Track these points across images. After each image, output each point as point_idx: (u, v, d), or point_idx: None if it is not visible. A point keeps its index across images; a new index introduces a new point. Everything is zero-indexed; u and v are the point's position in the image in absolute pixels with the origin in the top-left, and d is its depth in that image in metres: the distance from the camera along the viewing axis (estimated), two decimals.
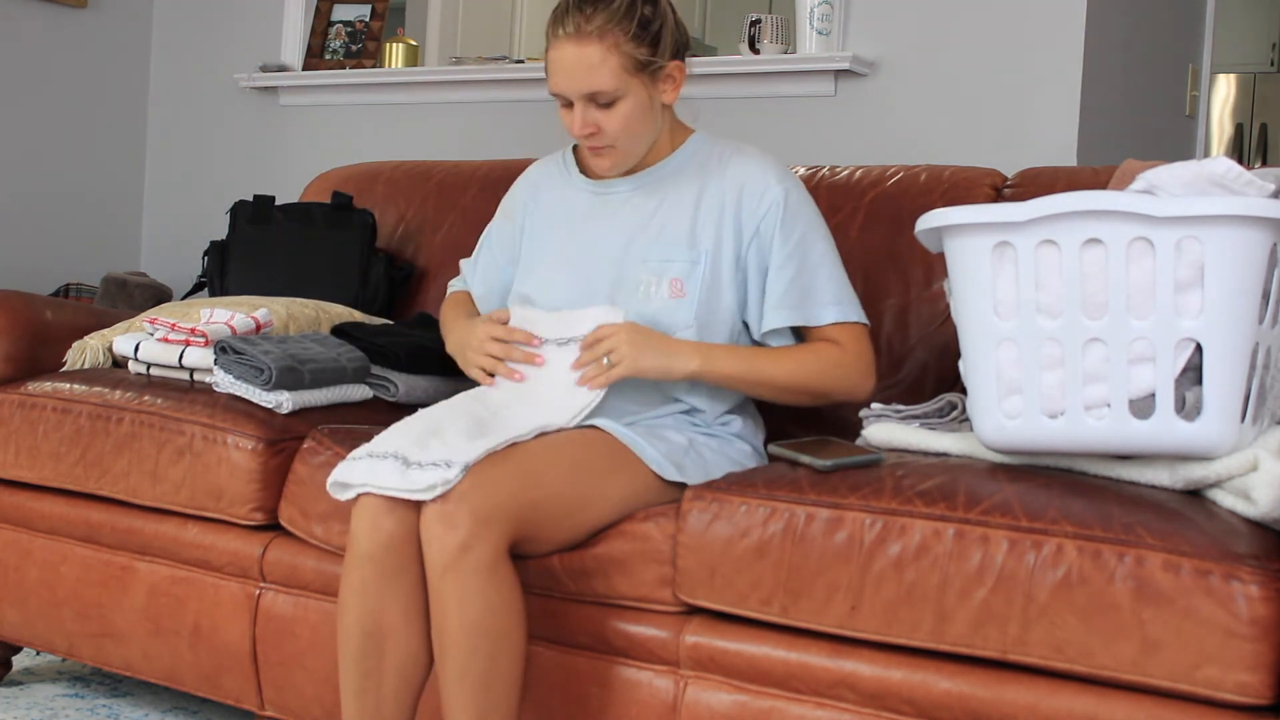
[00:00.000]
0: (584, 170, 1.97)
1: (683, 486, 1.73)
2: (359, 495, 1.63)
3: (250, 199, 2.85)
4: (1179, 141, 3.65)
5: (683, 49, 1.88)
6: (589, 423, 1.78)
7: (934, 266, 2.21)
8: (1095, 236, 1.49)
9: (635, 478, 1.72)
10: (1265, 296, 1.49)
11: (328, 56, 3.86)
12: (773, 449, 1.76)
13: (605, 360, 1.77)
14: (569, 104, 1.82)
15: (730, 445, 1.87)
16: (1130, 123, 3.21)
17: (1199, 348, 1.47)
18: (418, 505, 1.60)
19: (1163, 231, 1.45)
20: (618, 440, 1.73)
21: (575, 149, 2.02)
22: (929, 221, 1.61)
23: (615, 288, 1.87)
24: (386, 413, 2.22)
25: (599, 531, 1.71)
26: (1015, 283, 1.54)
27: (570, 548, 1.71)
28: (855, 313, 1.88)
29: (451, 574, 1.55)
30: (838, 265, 1.89)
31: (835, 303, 1.86)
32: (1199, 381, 1.48)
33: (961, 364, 1.63)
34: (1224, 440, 1.47)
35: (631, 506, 1.71)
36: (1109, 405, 1.51)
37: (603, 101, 1.79)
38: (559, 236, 1.95)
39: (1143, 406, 1.50)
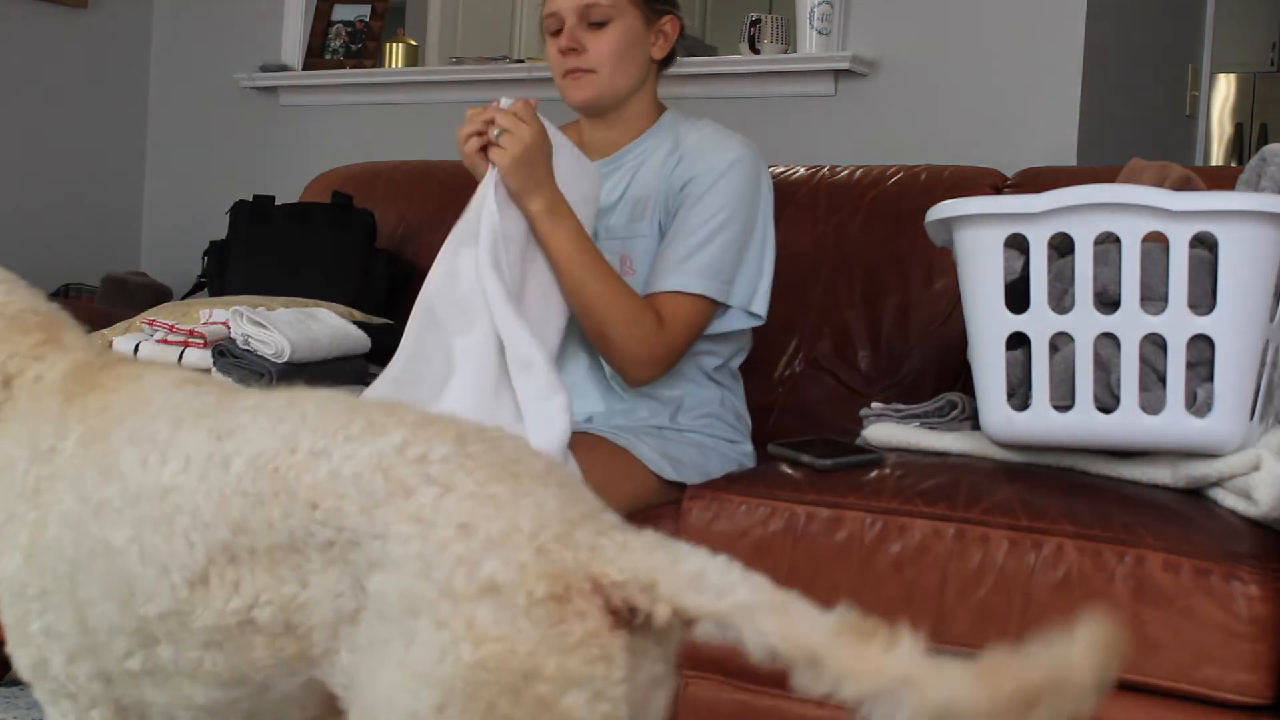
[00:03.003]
0: None
1: (681, 487, 1.73)
2: None
3: (250, 199, 2.85)
4: (1179, 141, 3.65)
5: (677, 8, 1.90)
6: (583, 429, 1.77)
7: (934, 266, 2.21)
8: (1110, 229, 1.49)
9: (636, 479, 1.72)
10: (1277, 294, 1.48)
11: (328, 56, 3.86)
12: (773, 449, 1.76)
13: (495, 134, 1.65)
14: (558, 31, 1.82)
15: (723, 444, 1.87)
16: (1130, 123, 3.21)
17: (1210, 343, 1.47)
18: None
19: (1178, 226, 1.45)
20: (615, 444, 1.73)
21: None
22: (941, 212, 1.60)
23: None
24: None
25: None
26: (1029, 275, 1.54)
27: None
28: (705, 286, 1.76)
29: None
30: (733, 243, 1.79)
31: (690, 273, 1.76)
32: (1209, 378, 1.47)
33: (970, 356, 1.62)
34: (1233, 436, 1.47)
35: (634, 508, 1.71)
36: (1119, 400, 1.50)
37: (594, 20, 1.80)
38: None
39: (1153, 401, 1.49)
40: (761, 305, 1.84)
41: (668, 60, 1.92)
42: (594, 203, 1.78)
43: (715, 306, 1.80)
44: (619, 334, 1.73)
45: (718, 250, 1.78)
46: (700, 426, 1.86)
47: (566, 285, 1.73)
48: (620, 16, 1.81)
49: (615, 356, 1.76)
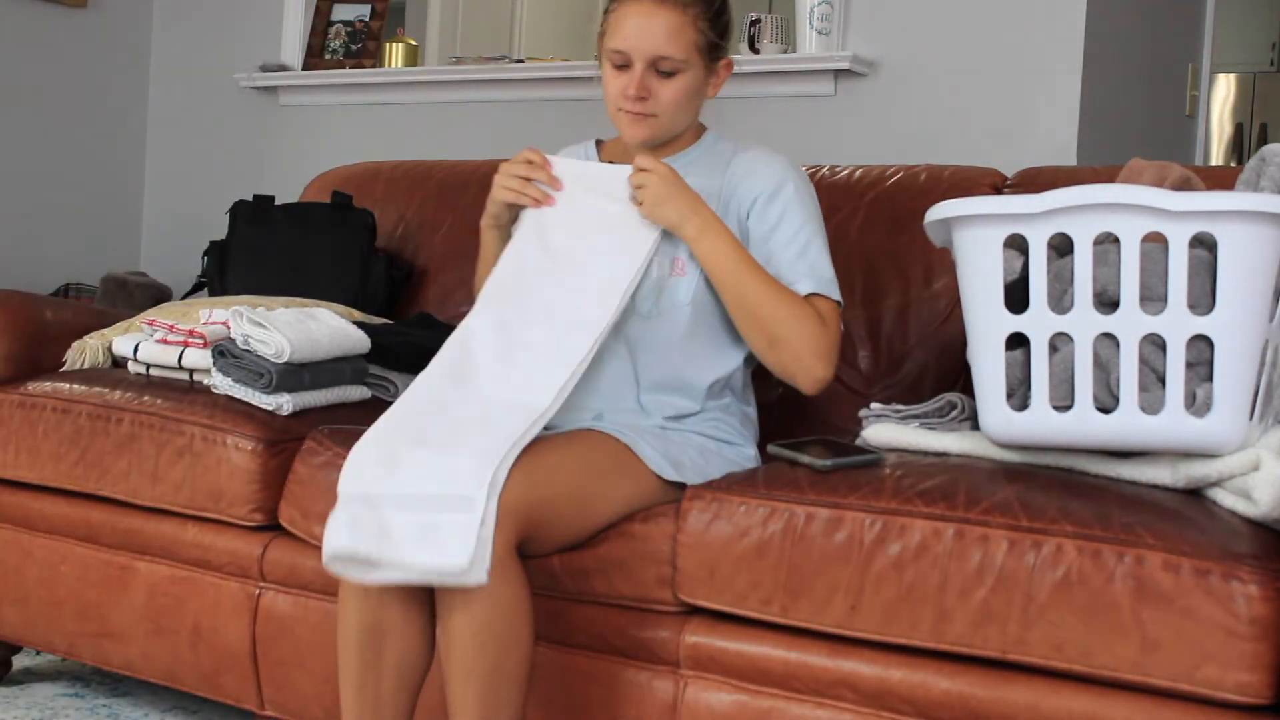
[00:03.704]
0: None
1: (682, 487, 1.73)
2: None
3: (250, 199, 2.85)
4: (1179, 141, 3.65)
5: (730, 48, 1.97)
6: (589, 425, 1.78)
7: (934, 266, 2.21)
8: (1109, 230, 1.49)
9: (638, 478, 1.72)
10: (1276, 294, 1.49)
11: (328, 56, 3.86)
12: (772, 449, 1.76)
13: (632, 194, 1.81)
14: (623, 66, 1.84)
15: (726, 448, 1.87)
16: (1130, 123, 3.21)
17: (1209, 343, 1.47)
18: None
19: (1177, 226, 1.45)
20: (618, 441, 1.73)
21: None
22: (940, 212, 1.60)
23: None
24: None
25: (600, 531, 1.71)
26: (1028, 275, 1.54)
27: (571, 547, 1.71)
28: (835, 291, 1.85)
29: None
30: (825, 248, 1.88)
31: (817, 277, 1.84)
32: (1209, 378, 1.47)
33: (969, 356, 1.62)
34: (1233, 437, 1.47)
35: (634, 507, 1.71)
36: (1118, 400, 1.51)
37: (664, 70, 1.83)
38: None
39: (1152, 401, 1.49)
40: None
41: None
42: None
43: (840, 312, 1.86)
44: (791, 332, 1.78)
45: (824, 259, 1.86)
46: (705, 430, 1.87)
47: (733, 298, 1.80)
48: (689, 68, 1.85)
49: (790, 357, 1.80)
